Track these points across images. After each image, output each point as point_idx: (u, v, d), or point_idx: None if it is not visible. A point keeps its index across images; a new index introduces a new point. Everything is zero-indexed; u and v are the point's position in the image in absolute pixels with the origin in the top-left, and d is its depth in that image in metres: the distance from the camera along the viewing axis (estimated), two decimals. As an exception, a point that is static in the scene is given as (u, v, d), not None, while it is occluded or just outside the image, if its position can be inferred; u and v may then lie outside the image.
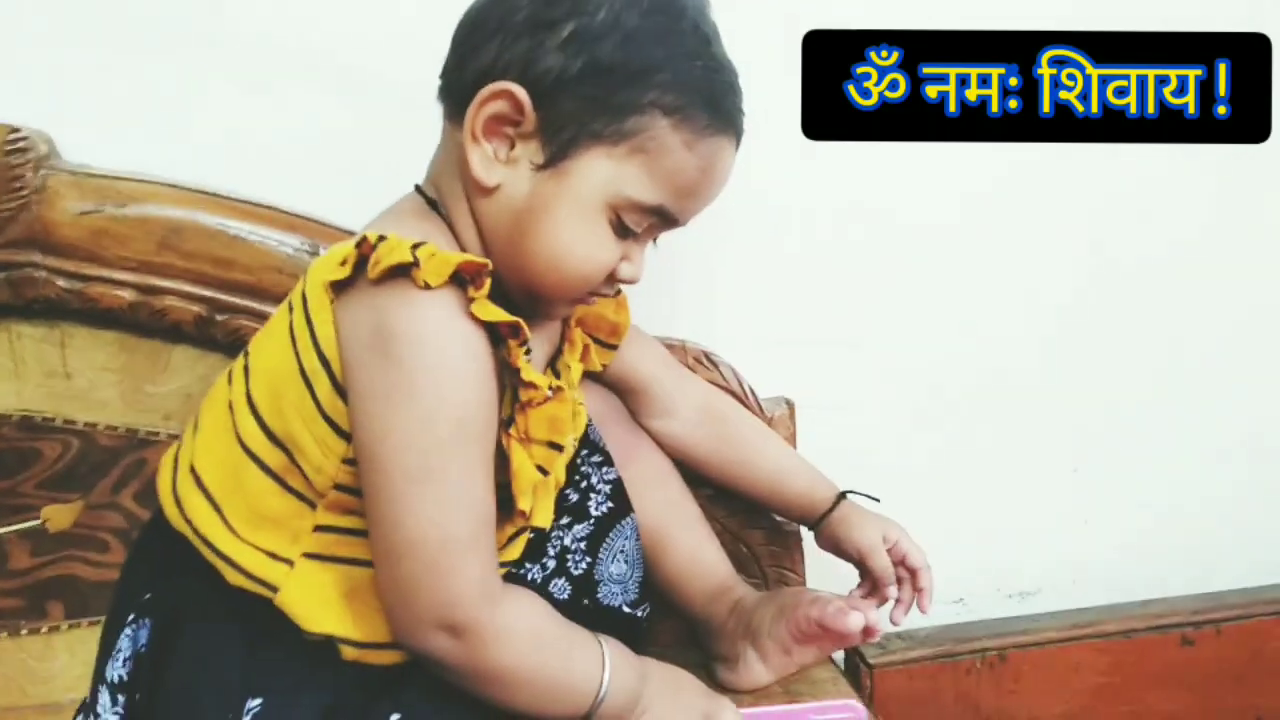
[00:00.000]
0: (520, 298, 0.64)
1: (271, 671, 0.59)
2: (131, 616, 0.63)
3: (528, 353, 0.59)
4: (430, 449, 0.56)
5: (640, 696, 0.64)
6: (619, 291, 0.72)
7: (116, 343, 0.80)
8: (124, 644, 0.62)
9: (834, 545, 0.81)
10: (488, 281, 0.56)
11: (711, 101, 0.61)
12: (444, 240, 0.62)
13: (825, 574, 0.89)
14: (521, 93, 0.59)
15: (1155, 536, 1.06)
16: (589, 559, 0.72)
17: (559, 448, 0.63)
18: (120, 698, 0.62)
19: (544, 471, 0.62)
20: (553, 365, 0.72)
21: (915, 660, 0.90)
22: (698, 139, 0.61)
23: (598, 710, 0.62)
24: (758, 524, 0.89)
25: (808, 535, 0.86)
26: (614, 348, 0.78)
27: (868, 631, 0.73)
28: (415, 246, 0.56)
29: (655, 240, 0.67)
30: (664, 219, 0.63)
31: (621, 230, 0.62)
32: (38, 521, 0.81)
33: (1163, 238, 1.02)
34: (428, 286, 0.55)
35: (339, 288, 0.58)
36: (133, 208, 0.77)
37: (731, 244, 0.91)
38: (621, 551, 0.74)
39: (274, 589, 0.59)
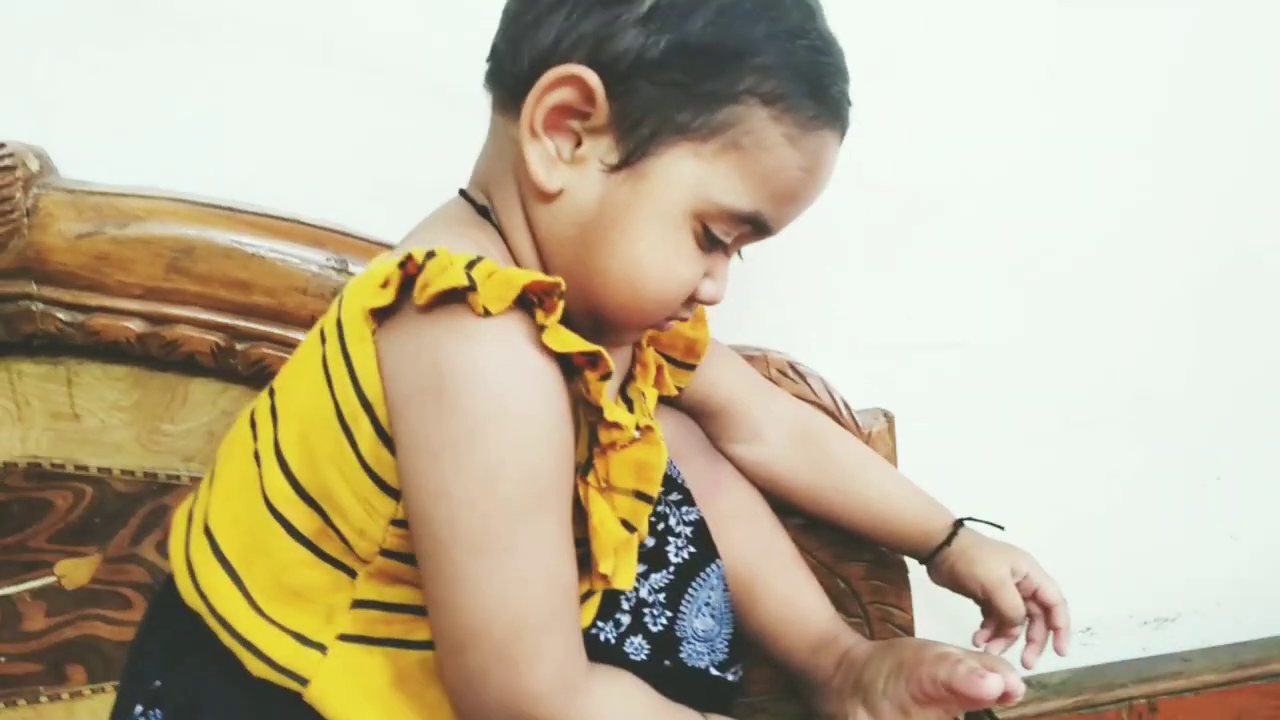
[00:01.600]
0: (584, 322, 0.54)
1: None
2: (140, 709, 0.55)
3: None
4: (495, 513, 0.47)
5: None
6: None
7: (127, 379, 0.73)
8: None
9: (952, 581, 0.72)
10: (560, 304, 0.48)
11: (818, 88, 0.52)
12: (498, 255, 0.53)
13: (935, 609, 0.80)
14: (593, 78, 0.50)
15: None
16: (669, 613, 0.64)
17: (649, 499, 0.54)
18: None
19: (630, 527, 0.53)
20: (624, 393, 0.63)
21: (1050, 713, 0.79)
22: (802, 133, 0.52)
23: None
24: (858, 556, 0.79)
25: (913, 566, 0.77)
26: (691, 368, 0.70)
27: (1005, 696, 0.62)
28: (470, 265, 0.46)
29: (740, 253, 0.58)
30: (757, 228, 0.55)
31: (708, 242, 0.53)
32: (52, 579, 0.75)
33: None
34: (487, 313, 0.46)
35: (381, 315, 0.49)
36: (135, 227, 0.70)
37: (815, 236, 0.80)
38: (707, 604, 0.65)
39: (304, 681, 0.51)
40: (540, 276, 0.47)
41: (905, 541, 0.74)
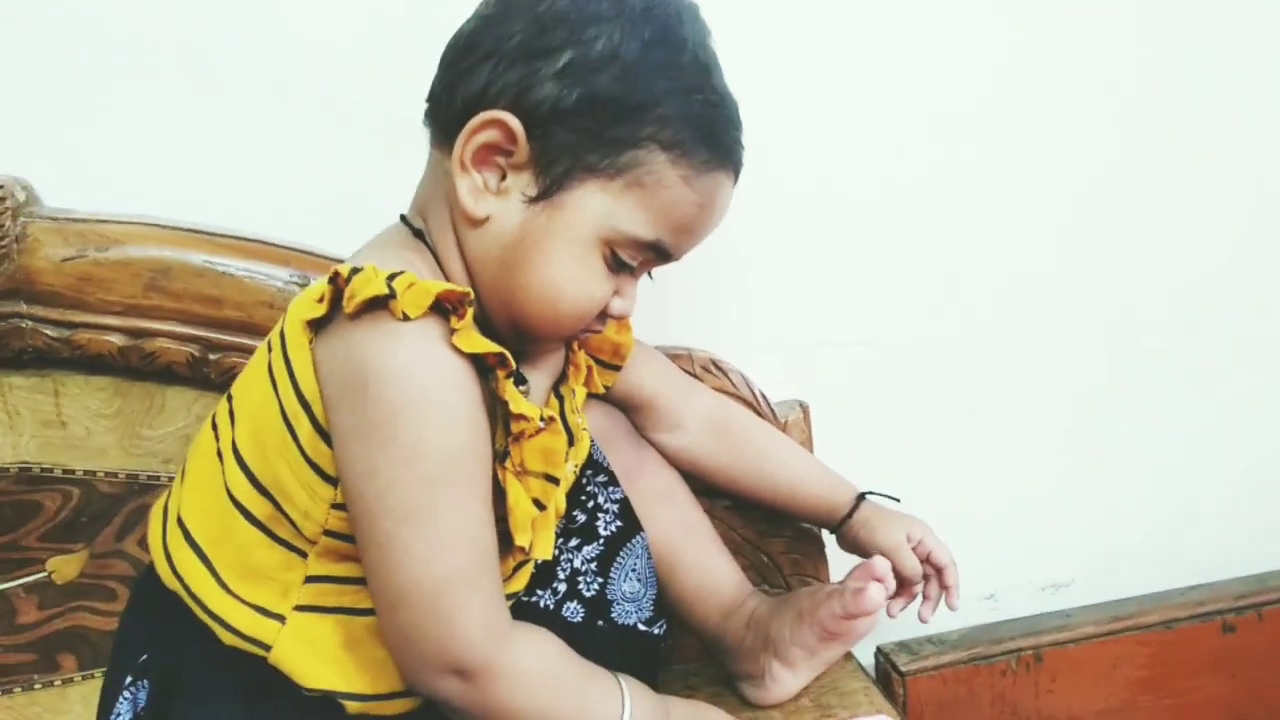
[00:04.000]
0: (508, 333, 0.61)
1: None
2: (129, 679, 0.61)
3: (519, 383, 0.57)
4: (417, 488, 0.53)
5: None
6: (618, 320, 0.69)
7: (110, 388, 0.78)
8: (123, 707, 0.61)
9: (857, 547, 0.79)
10: (470, 311, 0.54)
11: (711, 136, 0.59)
12: (428, 272, 0.59)
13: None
14: (514, 122, 0.56)
15: (1187, 521, 1.03)
16: (601, 579, 0.71)
17: (555, 480, 0.61)
18: None
19: (540, 505, 0.60)
20: (556, 390, 0.70)
21: (948, 664, 0.88)
22: (696, 174, 0.59)
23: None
24: (779, 532, 0.87)
25: (830, 539, 0.84)
26: (617, 368, 0.76)
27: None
28: (391, 277, 0.53)
29: (650, 274, 0.65)
30: (659, 254, 0.61)
31: (615, 265, 0.60)
32: (44, 574, 0.80)
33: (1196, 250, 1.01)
34: (406, 318, 0.52)
35: (317, 326, 0.56)
36: (115, 250, 0.75)
37: (736, 246, 0.87)
38: (633, 570, 0.72)
39: (267, 647, 0.57)
40: (453, 286, 0.54)
41: (815, 514, 0.81)
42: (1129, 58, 0.97)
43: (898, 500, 0.79)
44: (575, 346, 0.72)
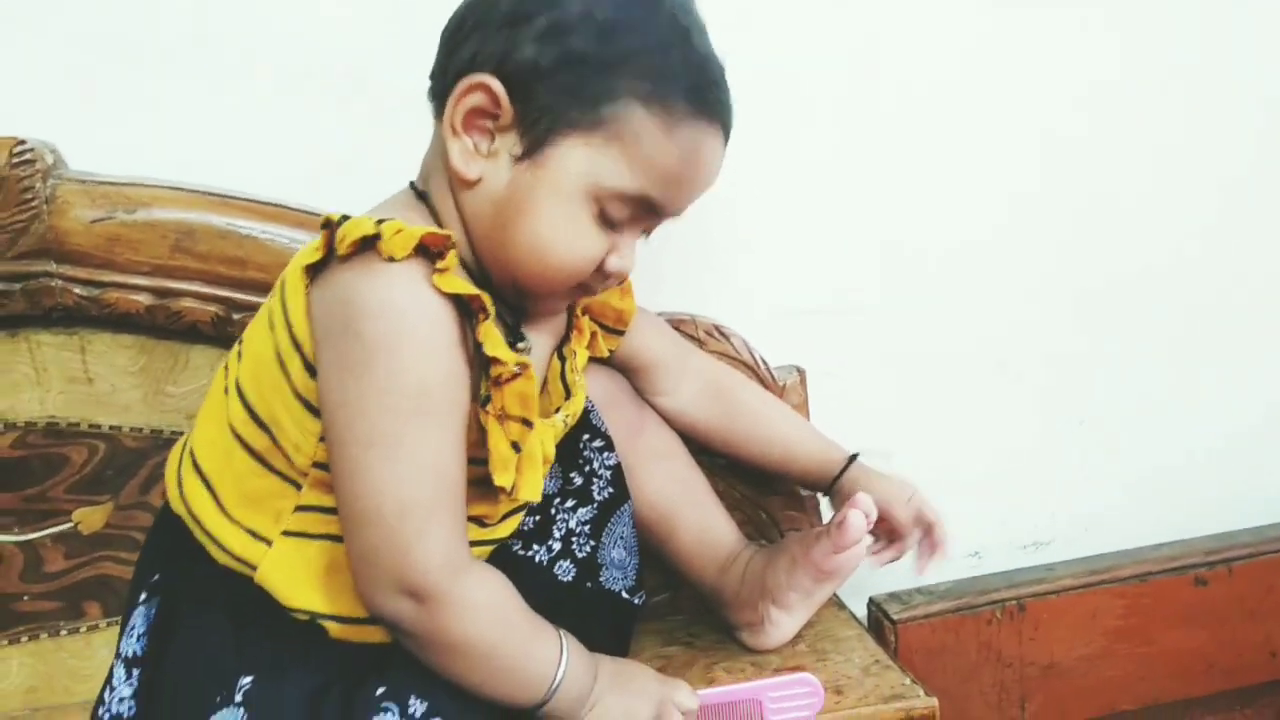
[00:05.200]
0: (509, 292, 0.64)
1: (260, 650, 0.61)
2: (144, 596, 0.65)
3: (517, 340, 0.60)
4: (386, 416, 0.56)
5: (591, 691, 0.64)
6: (621, 281, 0.70)
7: (135, 346, 0.81)
8: (137, 621, 0.64)
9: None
10: (452, 254, 0.57)
11: (691, 90, 0.61)
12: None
13: None
14: (496, 84, 0.59)
15: (1164, 482, 1.08)
16: (593, 542, 0.74)
17: (529, 424, 0.62)
18: (135, 671, 0.64)
19: (517, 448, 0.62)
20: (560, 353, 0.73)
21: (937, 614, 0.92)
22: (675, 126, 0.60)
23: (551, 699, 0.62)
24: (775, 490, 0.90)
25: (823, 498, 0.87)
26: (620, 333, 0.78)
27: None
28: (380, 223, 0.56)
29: (648, 233, 0.67)
30: (649, 209, 0.63)
31: (606, 221, 0.62)
32: (70, 525, 0.82)
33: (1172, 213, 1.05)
34: (392, 259, 0.55)
35: (313, 271, 0.59)
36: (142, 213, 0.78)
37: (737, 215, 0.92)
38: (621, 538, 0.75)
39: (254, 567, 0.61)
40: (436, 230, 0.56)
41: (806, 476, 0.84)
42: (1109, 37, 1.01)
43: (890, 456, 0.83)
44: (579, 311, 0.75)
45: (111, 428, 0.82)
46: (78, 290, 0.78)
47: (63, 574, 0.83)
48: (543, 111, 0.59)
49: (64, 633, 0.84)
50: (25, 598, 0.83)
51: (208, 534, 0.62)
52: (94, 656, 0.84)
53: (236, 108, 0.85)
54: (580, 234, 0.61)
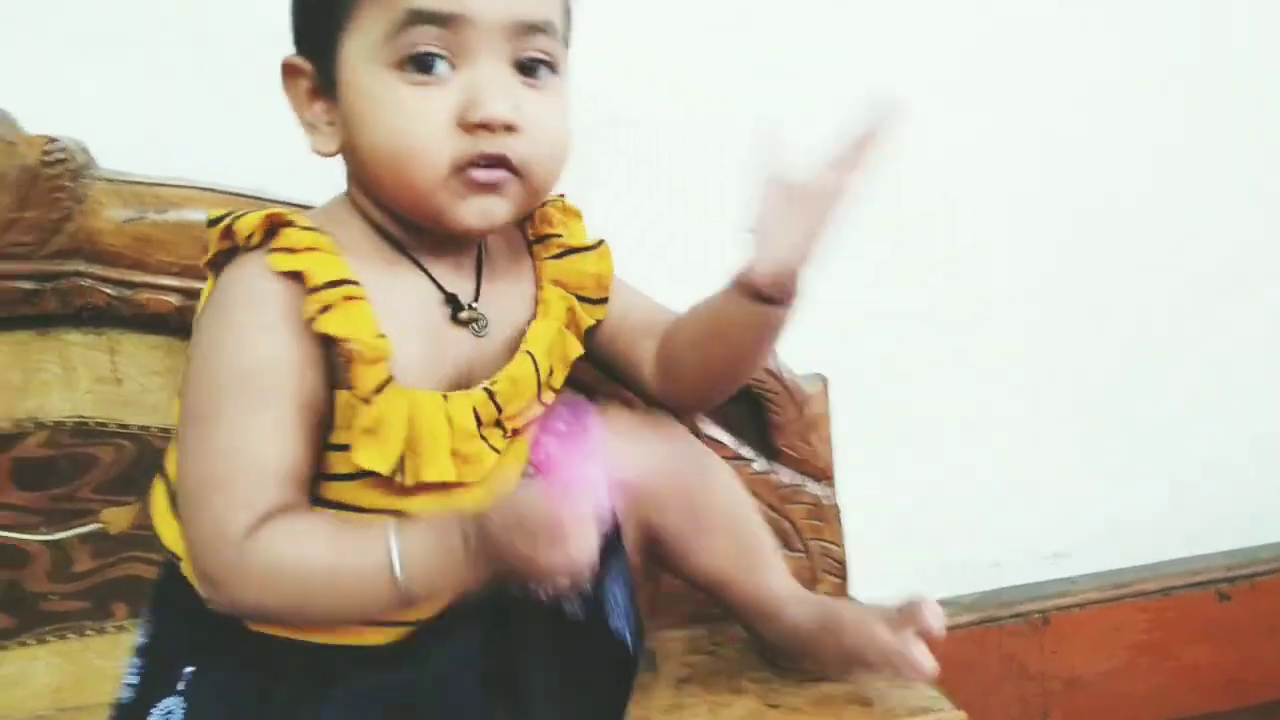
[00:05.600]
0: (414, 223, 0.61)
1: (201, 642, 0.61)
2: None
3: (468, 319, 0.62)
4: (205, 396, 0.57)
5: (465, 548, 0.54)
6: (508, 129, 0.58)
7: (163, 346, 0.81)
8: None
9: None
10: (284, 232, 0.57)
11: None
12: (344, 208, 0.63)
13: (863, 545, 0.92)
14: (295, 58, 0.61)
15: (1187, 495, 1.08)
16: (597, 581, 0.66)
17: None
18: (137, 661, 0.66)
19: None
20: (473, 305, 0.65)
21: (961, 626, 0.92)
22: None
23: (408, 589, 0.55)
24: (799, 500, 0.90)
25: (846, 508, 0.88)
26: (603, 301, 0.70)
27: None
28: (239, 216, 0.58)
29: (526, 70, 0.59)
30: (437, 20, 0.56)
31: (419, 69, 0.56)
32: (98, 525, 0.83)
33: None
34: (246, 249, 0.58)
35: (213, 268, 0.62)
36: (173, 213, 0.78)
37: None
38: (620, 575, 0.70)
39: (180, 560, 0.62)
40: (276, 211, 0.57)
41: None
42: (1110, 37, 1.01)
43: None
44: (545, 282, 0.68)
45: (140, 428, 0.82)
46: (108, 290, 0.78)
47: (90, 574, 0.83)
48: (320, 50, 0.59)
49: (89, 632, 0.84)
50: (53, 597, 0.83)
51: (155, 529, 0.64)
52: (121, 657, 0.82)
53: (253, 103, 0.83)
54: (404, 108, 0.56)
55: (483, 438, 0.61)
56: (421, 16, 0.55)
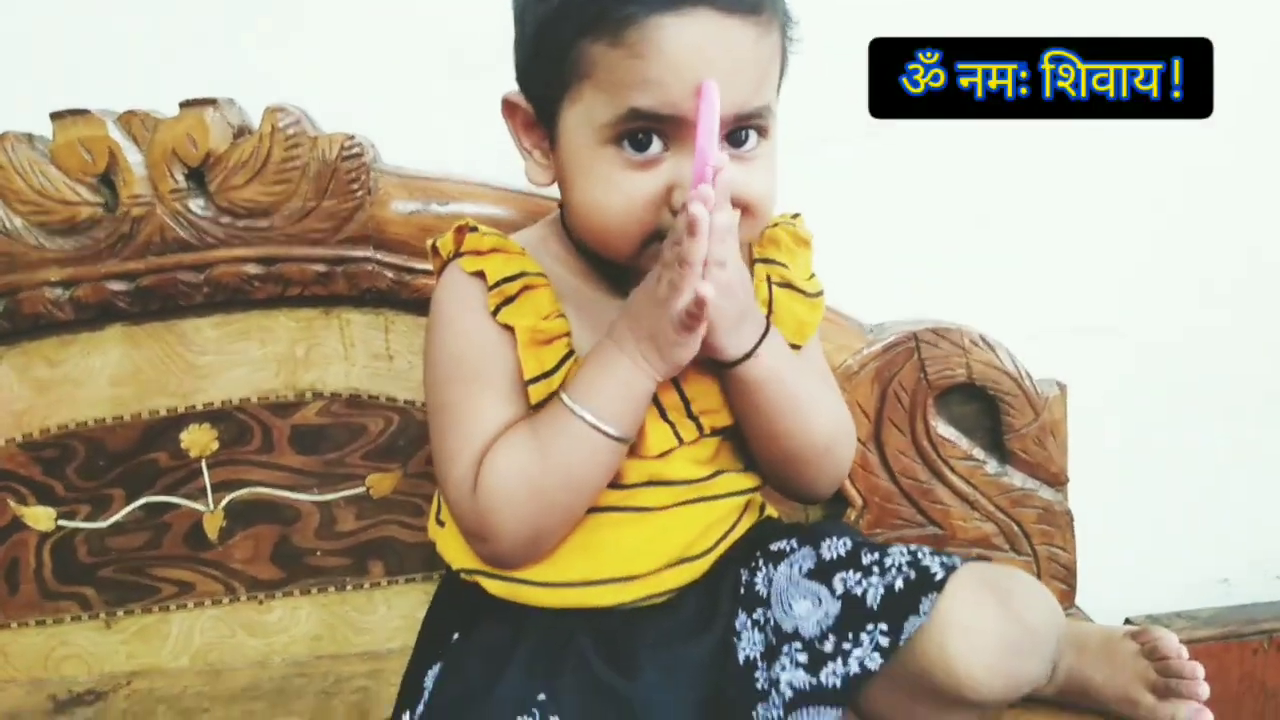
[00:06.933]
0: (604, 258, 0.66)
1: (465, 615, 0.68)
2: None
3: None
4: (431, 382, 0.67)
5: (621, 350, 0.61)
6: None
7: (432, 328, 0.87)
8: None
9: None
10: (469, 237, 0.66)
11: (610, 5, 0.58)
12: (551, 232, 0.70)
13: (1096, 548, 0.91)
14: (515, 96, 0.66)
15: None
16: None
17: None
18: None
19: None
20: None
21: (1200, 640, 0.90)
22: (618, 33, 0.58)
23: (605, 424, 0.61)
24: (1030, 504, 0.90)
25: (1079, 513, 0.88)
26: (796, 348, 0.70)
27: None
28: (439, 237, 0.68)
29: (738, 144, 0.61)
30: (654, 119, 0.59)
31: (640, 160, 0.60)
32: (362, 489, 0.89)
33: None
34: (449, 259, 0.67)
35: None
36: (453, 206, 0.83)
37: (1004, 236, 0.93)
38: None
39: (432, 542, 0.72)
40: (467, 223, 0.67)
41: None
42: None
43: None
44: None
45: (406, 401, 0.88)
46: (390, 275, 0.84)
47: (352, 534, 0.90)
48: (542, 99, 0.63)
49: (349, 587, 0.91)
50: (318, 553, 0.90)
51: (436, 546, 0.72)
52: (374, 611, 0.92)
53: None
54: (610, 179, 0.60)
55: (670, 423, 0.66)
56: (642, 115, 0.59)
